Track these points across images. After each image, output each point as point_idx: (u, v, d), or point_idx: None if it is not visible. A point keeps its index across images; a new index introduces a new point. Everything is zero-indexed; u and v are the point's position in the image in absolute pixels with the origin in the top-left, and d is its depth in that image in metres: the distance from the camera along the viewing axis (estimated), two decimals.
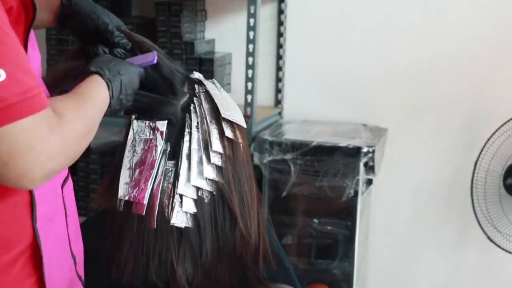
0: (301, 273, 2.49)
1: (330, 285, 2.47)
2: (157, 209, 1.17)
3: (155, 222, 1.17)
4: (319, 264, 2.50)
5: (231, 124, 1.22)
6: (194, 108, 1.20)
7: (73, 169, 2.80)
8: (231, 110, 1.23)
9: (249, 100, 2.42)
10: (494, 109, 2.60)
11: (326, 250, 2.50)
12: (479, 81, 2.63)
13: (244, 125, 1.25)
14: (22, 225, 1.00)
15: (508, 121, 2.39)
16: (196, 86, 1.24)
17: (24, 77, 0.88)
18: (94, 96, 1.06)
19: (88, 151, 2.77)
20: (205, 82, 1.25)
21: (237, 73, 2.75)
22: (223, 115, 1.20)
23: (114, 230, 1.19)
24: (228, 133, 1.21)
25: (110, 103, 1.09)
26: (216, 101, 1.21)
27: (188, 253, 1.18)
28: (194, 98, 1.21)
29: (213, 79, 1.29)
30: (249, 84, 2.42)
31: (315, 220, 2.48)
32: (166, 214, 1.17)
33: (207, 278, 1.18)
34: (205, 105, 1.21)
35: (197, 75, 1.27)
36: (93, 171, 2.77)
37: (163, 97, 1.21)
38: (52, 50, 2.71)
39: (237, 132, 1.23)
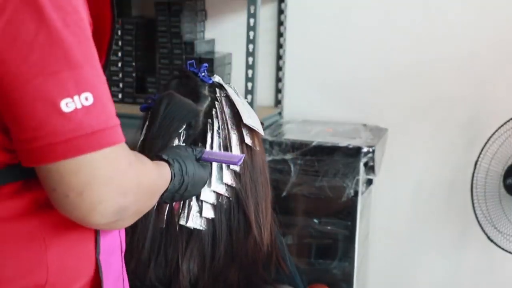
0: (301, 273, 2.49)
1: (330, 285, 2.47)
2: (167, 208, 1.17)
3: (164, 222, 1.17)
4: (319, 264, 2.50)
5: (251, 131, 1.22)
6: (216, 113, 1.20)
7: None
8: (252, 117, 1.23)
9: (249, 100, 2.42)
10: (494, 109, 2.60)
11: (326, 250, 2.50)
12: (479, 81, 2.63)
13: (263, 133, 1.25)
14: (87, 257, 0.95)
15: (508, 121, 2.39)
16: (217, 90, 1.23)
17: (108, 103, 0.84)
18: (161, 173, 1.02)
19: None
20: (226, 86, 1.25)
21: (237, 73, 2.75)
22: (245, 122, 1.20)
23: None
24: (248, 140, 1.21)
25: (163, 194, 1.05)
26: (237, 107, 1.21)
27: (195, 253, 1.17)
28: (216, 103, 1.21)
29: (231, 83, 1.28)
30: (249, 84, 2.42)
31: (315, 220, 2.48)
32: (175, 214, 1.17)
33: (215, 281, 1.18)
34: (226, 110, 1.20)
35: (217, 78, 1.26)
36: None
37: (188, 101, 1.19)
38: None
39: (255, 140, 1.23)
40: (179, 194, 1.08)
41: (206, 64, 1.25)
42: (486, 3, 2.59)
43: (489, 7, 2.58)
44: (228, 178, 1.19)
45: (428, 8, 2.64)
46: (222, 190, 1.19)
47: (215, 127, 1.19)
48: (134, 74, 2.69)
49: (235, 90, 1.27)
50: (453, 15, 2.63)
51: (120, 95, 2.70)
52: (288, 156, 2.40)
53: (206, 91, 1.22)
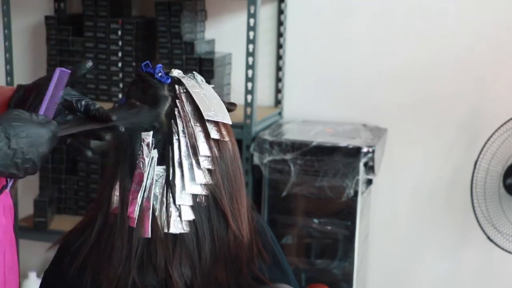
0: (301, 273, 2.49)
1: (330, 285, 2.46)
2: (150, 219, 1.16)
3: (149, 231, 1.16)
4: (319, 264, 2.50)
5: (216, 123, 1.19)
6: (179, 112, 1.17)
7: (74, 169, 2.81)
8: (214, 108, 1.19)
9: (249, 100, 2.42)
10: (494, 109, 2.60)
11: (326, 250, 2.50)
12: (479, 81, 2.63)
13: (229, 122, 1.21)
14: None
15: (508, 121, 2.39)
16: (176, 86, 1.20)
17: None
18: None
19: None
20: (184, 80, 1.21)
21: (237, 73, 2.75)
22: (206, 117, 1.17)
23: (104, 239, 1.17)
24: (214, 134, 1.18)
25: None
26: (197, 101, 1.18)
27: (184, 257, 1.17)
28: (177, 101, 1.18)
29: (194, 72, 1.24)
30: (249, 84, 2.42)
31: (315, 220, 2.48)
32: (158, 221, 1.16)
33: (207, 282, 1.18)
34: (187, 107, 1.18)
35: (175, 73, 1.23)
36: (93, 171, 2.77)
37: (145, 107, 1.17)
38: (52, 50, 2.70)
39: (223, 130, 1.20)
40: (20, 158, 1.00)
41: (160, 65, 1.21)
42: (486, 3, 2.59)
43: (489, 7, 2.58)
44: (201, 177, 1.17)
45: (428, 8, 2.64)
46: (198, 190, 1.17)
47: (180, 128, 1.17)
48: (134, 74, 2.68)
49: (198, 79, 1.23)
50: (452, 15, 2.63)
51: (120, 95, 2.70)
52: (288, 156, 2.40)
53: (165, 91, 1.19)
